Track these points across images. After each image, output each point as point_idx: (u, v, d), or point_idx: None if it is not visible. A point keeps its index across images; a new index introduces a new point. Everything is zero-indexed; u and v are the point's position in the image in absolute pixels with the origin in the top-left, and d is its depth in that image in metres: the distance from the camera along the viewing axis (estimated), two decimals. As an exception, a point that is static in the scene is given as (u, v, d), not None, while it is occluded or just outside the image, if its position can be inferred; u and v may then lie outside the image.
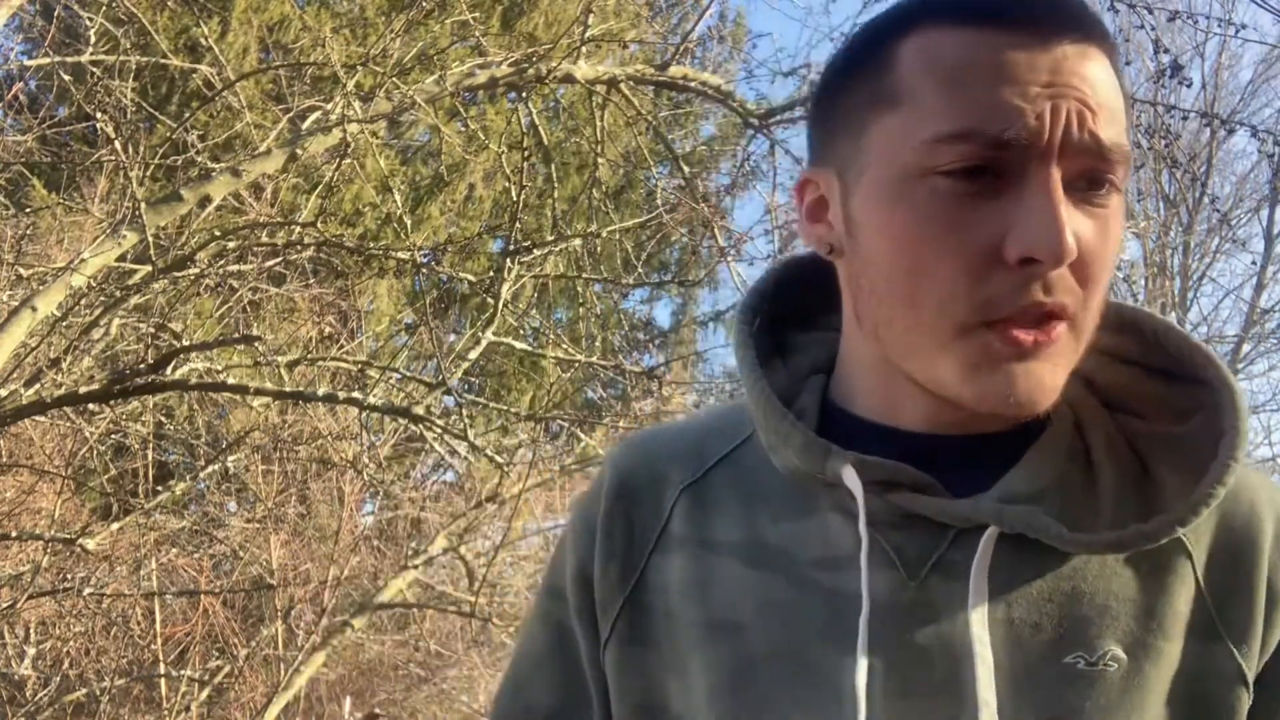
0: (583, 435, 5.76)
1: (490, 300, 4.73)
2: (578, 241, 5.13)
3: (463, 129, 7.14)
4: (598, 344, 6.03)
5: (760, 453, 0.78)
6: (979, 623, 0.67)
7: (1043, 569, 0.69)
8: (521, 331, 5.96)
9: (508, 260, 4.60)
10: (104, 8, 4.43)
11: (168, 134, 4.88)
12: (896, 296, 0.69)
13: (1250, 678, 0.69)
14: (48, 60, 4.67)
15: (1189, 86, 5.16)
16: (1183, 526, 0.67)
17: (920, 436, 0.73)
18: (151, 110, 5.63)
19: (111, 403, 4.43)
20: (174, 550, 6.12)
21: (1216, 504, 0.68)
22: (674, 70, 4.71)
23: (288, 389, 4.23)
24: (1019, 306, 0.65)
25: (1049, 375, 0.66)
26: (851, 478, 0.71)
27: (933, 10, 0.68)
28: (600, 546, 0.81)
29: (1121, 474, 0.71)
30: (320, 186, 4.99)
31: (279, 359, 4.32)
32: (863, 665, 0.67)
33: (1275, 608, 0.70)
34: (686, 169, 5.46)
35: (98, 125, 4.27)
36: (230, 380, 4.20)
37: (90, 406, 4.57)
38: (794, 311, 0.83)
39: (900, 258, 0.68)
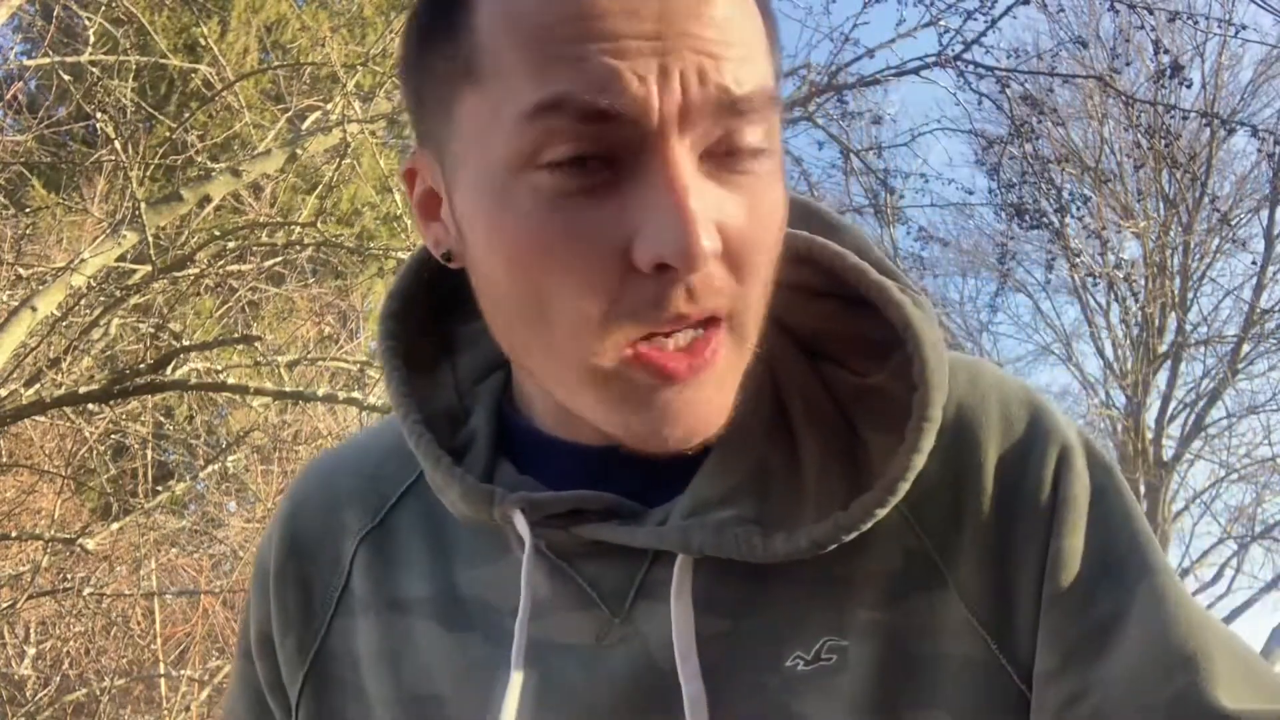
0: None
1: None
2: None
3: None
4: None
5: None
6: (682, 653, 0.59)
7: (750, 574, 0.60)
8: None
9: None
10: (103, 8, 4.43)
11: (167, 134, 4.88)
12: (523, 321, 0.56)
13: (982, 623, 0.60)
14: (47, 60, 4.67)
15: (1189, 87, 5.16)
16: (884, 508, 0.58)
17: (603, 449, 0.62)
18: (151, 110, 5.62)
19: (111, 403, 4.44)
20: (174, 550, 6.12)
21: (916, 470, 0.59)
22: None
23: (287, 389, 4.23)
24: (660, 321, 0.53)
25: (714, 398, 0.56)
26: (522, 524, 0.61)
27: None
28: (275, 612, 0.71)
29: (825, 444, 0.61)
30: (320, 186, 4.99)
31: (278, 359, 4.32)
32: None
33: (1005, 517, 0.61)
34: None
35: (97, 125, 4.27)
36: (230, 380, 4.21)
37: (90, 406, 4.58)
38: (458, 298, 0.68)
39: (516, 278, 0.55)
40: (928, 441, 0.59)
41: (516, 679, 0.60)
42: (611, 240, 0.52)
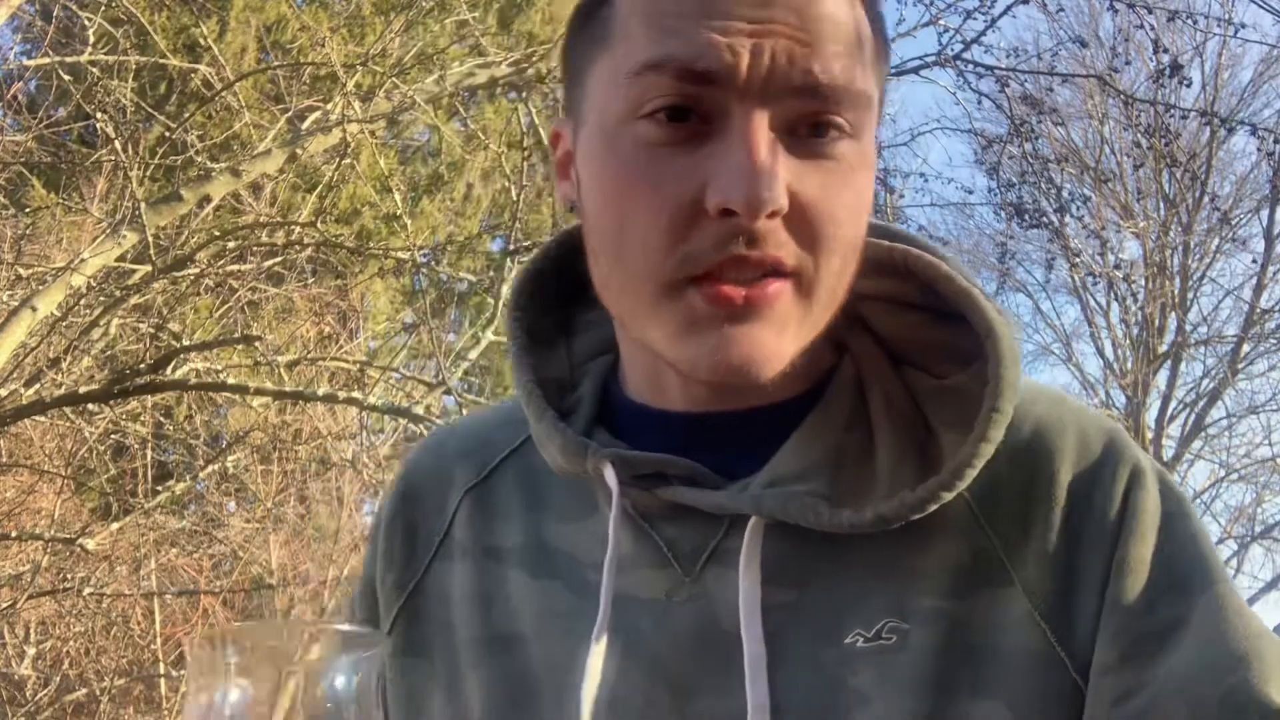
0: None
1: (490, 300, 4.73)
2: (577, 241, 5.12)
3: (462, 128, 7.14)
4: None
5: None
6: (747, 615, 0.63)
7: (820, 546, 0.64)
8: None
9: (507, 260, 4.60)
10: (103, 8, 4.43)
11: (167, 134, 4.88)
12: (609, 255, 0.64)
13: (1048, 615, 0.63)
14: (47, 60, 4.67)
15: (1188, 86, 5.17)
16: (950, 491, 0.62)
17: (690, 417, 0.68)
18: (150, 110, 5.62)
19: (111, 403, 4.44)
20: (174, 550, 6.12)
21: (985, 459, 0.62)
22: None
23: (287, 389, 4.23)
24: (720, 261, 0.59)
25: (770, 339, 0.61)
26: (611, 477, 0.66)
27: None
28: (381, 555, 0.78)
29: (901, 437, 0.66)
30: (320, 186, 4.99)
31: (278, 359, 4.32)
32: (592, 678, 0.63)
33: (1077, 524, 0.64)
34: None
35: (97, 125, 4.28)
36: (230, 380, 4.21)
37: (90, 406, 4.57)
38: (585, 284, 0.73)
39: (607, 213, 0.63)
40: (996, 432, 0.63)
41: (604, 620, 0.64)
42: (688, 185, 0.60)
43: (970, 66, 5.13)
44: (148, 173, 4.50)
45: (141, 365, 3.80)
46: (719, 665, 0.64)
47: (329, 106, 4.35)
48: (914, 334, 0.70)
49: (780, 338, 0.61)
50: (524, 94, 4.78)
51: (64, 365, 3.98)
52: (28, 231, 5.20)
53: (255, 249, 4.69)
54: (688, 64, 0.59)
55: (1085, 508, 0.65)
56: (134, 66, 4.52)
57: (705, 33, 0.59)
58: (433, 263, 5.56)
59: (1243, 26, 5.44)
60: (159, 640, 5.97)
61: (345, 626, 0.53)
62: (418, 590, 0.75)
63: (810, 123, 0.61)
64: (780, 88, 0.59)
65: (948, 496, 0.62)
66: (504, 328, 0.77)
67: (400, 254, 5.06)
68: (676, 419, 0.69)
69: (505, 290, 4.55)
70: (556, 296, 0.77)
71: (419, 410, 4.11)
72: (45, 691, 5.44)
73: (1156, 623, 0.62)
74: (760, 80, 0.59)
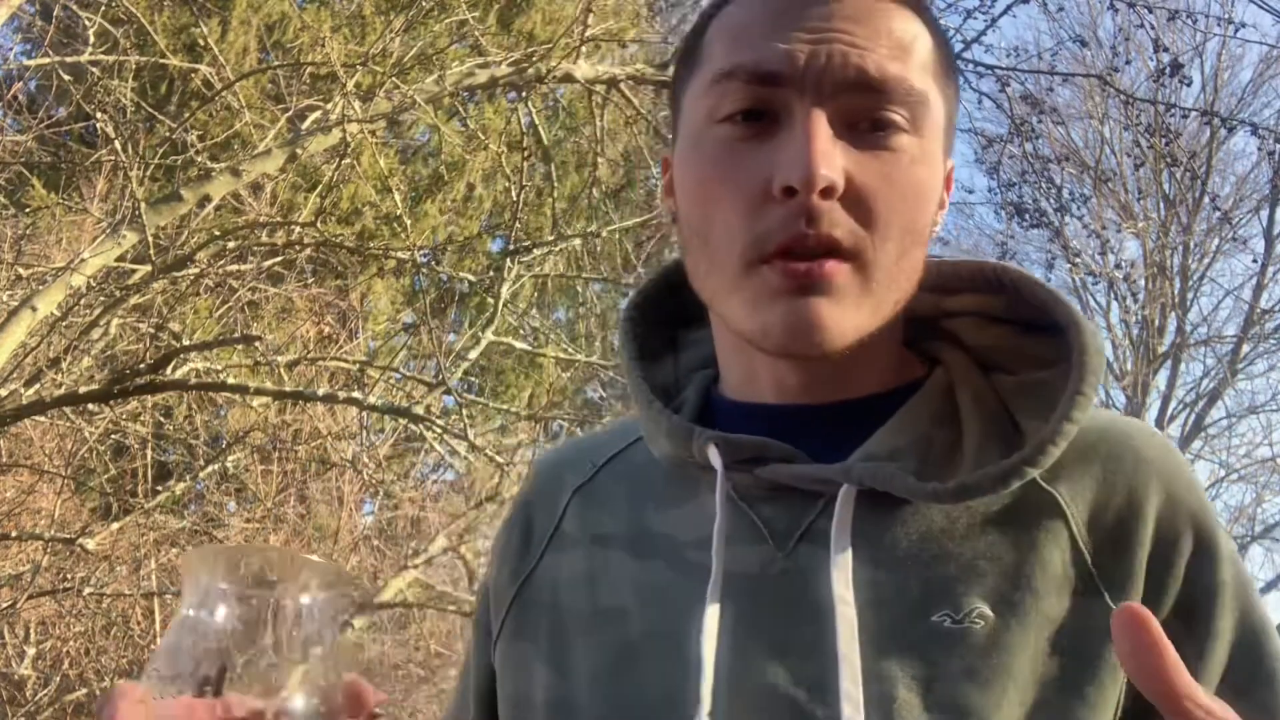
0: (582, 435, 5.75)
1: (490, 300, 4.73)
2: (577, 241, 5.13)
3: (462, 128, 7.14)
4: (597, 344, 6.03)
5: (648, 450, 0.80)
6: (841, 581, 0.67)
7: (909, 528, 0.69)
8: (521, 331, 5.96)
9: (507, 260, 4.60)
10: (103, 8, 4.43)
11: (167, 134, 4.88)
12: (698, 242, 0.72)
13: None
14: (47, 60, 4.67)
15: (1188, 85, 5.16)
16: (1033, 467, 0.67)
17: (784, 409, 0.74)
18: (151, 110, 5.62)
19: (111, 403, 4.44)
20: (174, 550, 6.11)
21: (1069, 440, 0.67)
22: (674, 70, 4.70)
23: (287, 389, 4.23)
24: (786, 238, 0.66)
25: (831, 312, 0.67)
26: (714, 457, 0.72)
27: None
28: (500, 553, 0.85)
29: (987, 427, 0.71)
30: (320, 186, 4.98)
31: (278, 359, 4.32)
32: (710, 636, 0.68)
33: (1164, 565, 0.68)
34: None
35: (97, 125, 4.27)
36: (230, 380, 4.21)
37: (90, 406, 4.58)
38: (690, 309, 0.83)
39: (695, 206, 0.71)
40: (1080, 413, 0.68)
41: (716, 588, 0.69)
42: (758, 175, 0.68)
43: (970, 66, 5.13)
44: (148, 173, 4.50)
45: (141, 365, 3.80)
46: (811, 634, 0.67)
47: (329, 106, 4.34)
48: (1002, 343, 0.76)
49: (839, 311, 0.67)
50: (524, 94, 4.77)
51: (64, 365, 3.98)
52: (28, 231, 5.20)
53: (255, 249, 4.69)
54: (754, 69, 0.68)
55: (1169, 548, 0.69)
56: (134, 66, 4.52)
57: (771, 43, 0.68)
58: (433, 263, 5.55)
59: (1243, 26, 5.44)
60: (159, 640, 5.97)
61: (329, 562, 0.55)
62: (530, 580, 0.81)
63: (869, 118, 0.68)
64: (836, 85, 0.67)
65: (1031, 472, 0.67)
66: (619, 341, 0.85)
67: (400, 254, 5.05)
68: (769, 410, 0.75)
69: (505, 290, 4.55)
70: (665, 318, 0.86)
71: (419, 410, 4.11)
72: (45, 691, 5.44)
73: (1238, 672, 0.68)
74: (816, 78, 0.67)
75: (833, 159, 0.66)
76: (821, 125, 0.66)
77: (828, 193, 0.66)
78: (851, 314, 0.68)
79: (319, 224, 4.61)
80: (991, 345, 0.76)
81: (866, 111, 0.67)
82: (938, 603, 0.67)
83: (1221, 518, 0.73)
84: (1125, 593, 0.67)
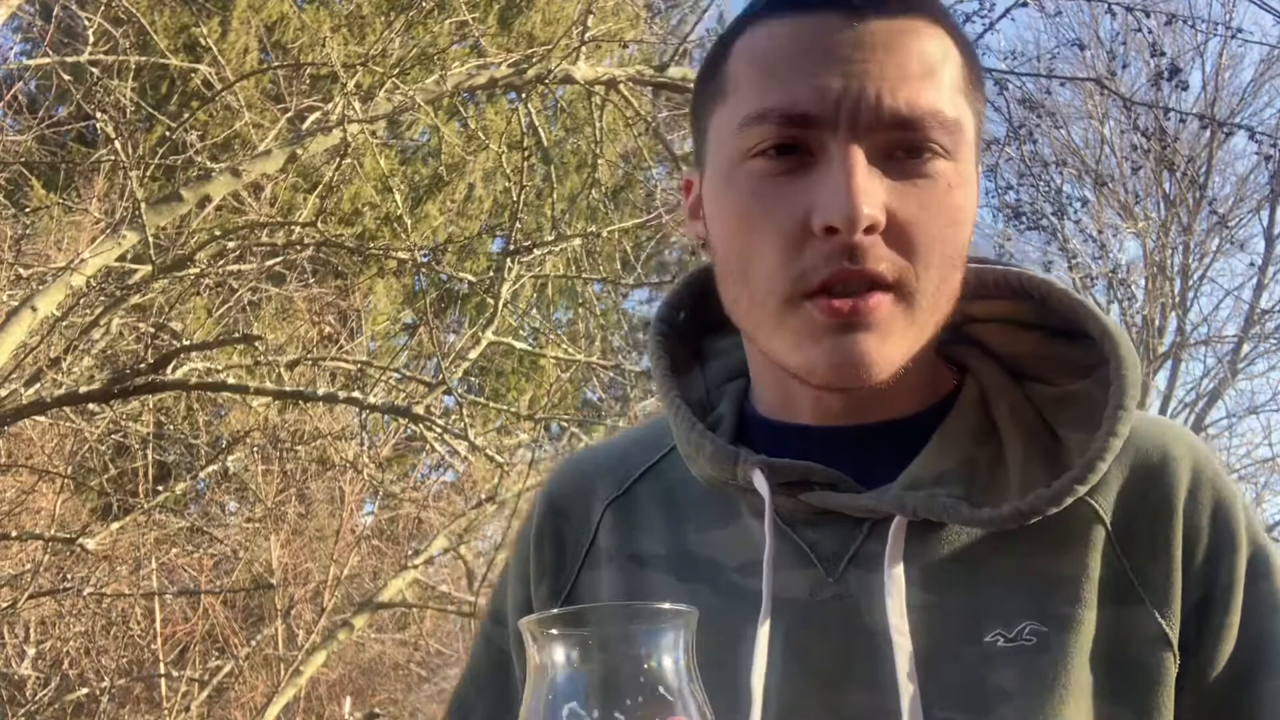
0: (582, 435, 5.76)
1: (490, 300, 4.73)
2: (577, 241, 5.13)
3: (462, 129, 7.14)
4: (598, 344, 6.03)
5: (683, 464, 0.78)
6: (896, 611, 0.67)
7: (958, 552, 0.69)
8: (521, 331, 5.96)
9: (508, 260, 4.61)
10: (103, 7, 4.43)
11: (167, 134, 4.88)
12: (736, 276, 0.71)
13: (1175, 638, 0.68)
14: (47, 60, 4.68)
15: (1185, 89, 5.16)
16: (1083, 485, 0.67)
17: (824, 431, 0.74)
18: (151, 110, 5.62)
19: (111, 403, 4.44)
20: (174, 550, 6.12)
21: (1115, 456, 0.68)
22: (673, 71, 4.70)
23: (287, 389, 4.23)
24: (829, 275, 0.66)
25: (876, 346, 0.67)
26: (761, 482, 0.71)
27: (758, 9, 0.72)
28: (534, 567, 0.83)
29: (1028, 443, 0.72)
30: (320, 186, 4.99)
31: (278, 359, 4.32)
32: (760, 665, 0.67)
33: (1193, 564, 0.69)
34: (686, 169, 5.46)
35: (97, 125, 4.28)
36: (230, 380, 4.21)
37: (90, 406, 4.58)
38: (715, 317, 0.82)
39: (732, 240, 0.71)
40: (1124, 428, 0.68)
41: (766, 614, 0.69)
42: (796, 212, 0.67)
43: (970, 68, 5.12)
44: (148, 173, 4.50)
45: (141, 365, 3.80)
46: (865, 661, 0.67)
47: (329, 107, 4.34)
48: (1031, 350, 0.76)
49: (885, 344, 0.67)
50: (524, 95, 4.78)
51: (64, 365, 3.98)
52: (28, 231, 5.21)
53: (255, 249, 4.69)
54: (786, 111, 0.67)
55: (1197, 543, 0.70)
56: (134, 66, 4.52)
57: (801, 82, 0.67)
58: (433, 263, 5.56)
59: (1239, 30, 5.44)
60: (159, 640, 5.97)
61: (659, 605, 0.55)
62: (570, 598, 0.80)
63: (905, 147, 0.67)
64: (870, 123, 0.66)
65: (1081, 490, 0.67)
66: (649, 352, 0.84)
67: (401, 254, 5.06)
68: (809, 432, 0.74)
69: (505, 290, 4.55)
70: (693, 325, 0.85)
71: (419, 410, 4.11)
72: (45, 691, 5.44)
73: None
74: (851, 116, 0.66)
75: (873, 195, 0.65)
76: (859, 160, 0.66)
77: (870, 230, 0.65)
78: (895, 344, 0.68)
79: (319, 224, 4.62)
80: (1021, 352, 0.76)
81: (902, 143, 0.67)
82: (991, 623, 0.67)
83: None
84: (1165, 599, 0.68)
